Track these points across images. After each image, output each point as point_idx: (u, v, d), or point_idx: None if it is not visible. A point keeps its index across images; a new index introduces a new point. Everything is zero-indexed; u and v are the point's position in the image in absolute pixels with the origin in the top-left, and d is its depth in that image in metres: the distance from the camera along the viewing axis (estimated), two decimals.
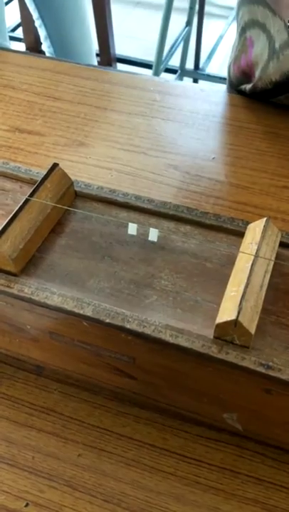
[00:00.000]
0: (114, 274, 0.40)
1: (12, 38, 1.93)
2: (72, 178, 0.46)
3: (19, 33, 1.94)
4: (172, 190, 0.60)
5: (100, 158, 0.64)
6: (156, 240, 0.41)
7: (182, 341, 0.35)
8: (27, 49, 1.76)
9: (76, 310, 0.37)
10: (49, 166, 0.44)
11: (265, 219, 0.41)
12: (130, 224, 0.41)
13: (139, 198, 0.45)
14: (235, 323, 0.34)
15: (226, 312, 0.35)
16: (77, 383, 0.44)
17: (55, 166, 0.44)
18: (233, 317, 0.34)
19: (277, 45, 0.63)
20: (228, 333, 0.35)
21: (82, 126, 0.68)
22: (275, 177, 0.62)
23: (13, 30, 2.06)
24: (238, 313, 0.34)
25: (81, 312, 0.37)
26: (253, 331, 0.35)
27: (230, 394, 0.37)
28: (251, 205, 0.58)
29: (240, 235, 0.42)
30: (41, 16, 1.31)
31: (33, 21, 1.36)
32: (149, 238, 0.40)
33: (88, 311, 0.37)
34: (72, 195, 0.45)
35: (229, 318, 0.34)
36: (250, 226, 0.42)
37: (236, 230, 0.43)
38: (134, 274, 0.40)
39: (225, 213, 0.56)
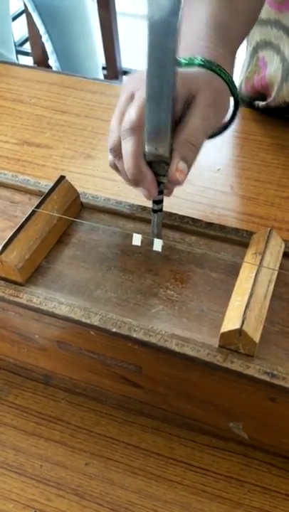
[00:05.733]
0: (121, 284, 0.41)
1: (20, 53, 1.95)
2: (80, 190, 0.47)
3: (27, 47, 1.96)
4: (178, 201, 0.61)
5: (106, 170, 0.64)
6: (161, 251, 0.41)
7: (188, 350, 0.36)
8: (35, 63, 1.78)
9: (83, 319, 0.37)
10: (56, 178, 0.45)
11: (268, 229, 0.41)
12: (136, 235, 0.41)
13: (145, 209, 0.46)
14: (239, 332, 0.35)
15: (231, 321, 0.36)
16: (85, 392, 0.44)
17: (61, 178, 0.45)
18: (238, 326, 0.35)
19: None
20: (233, 342, 0.35)
21: (89, 139, 0.69)
22: (280, 188, 0.62)
23: (21, 44, 2.08)
24: (243, 322, 0.35)
25: (88, 321, 0.37)
26: (257, 339, 0.35)
27: (236, 403, 0.38)
28: (256, 216, 0.59)
29: (245, 245, 0.43)
30: (48, 31, 1.33)
31: (40, 36, 1.38)
32: (154, 248, 0.41)
33: (95, 321, 0.37)
34: (79, 207, 0.46)
35: (234, 328, 0.35)
36: (255, 236, 0.42)
37: (241, 240, 0.43)
38: (140, 284, 0.41)
39: (230, 224, 0.56)
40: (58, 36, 1.35)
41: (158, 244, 0.41)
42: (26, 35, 1.85)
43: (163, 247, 0.42)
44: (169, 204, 0.60)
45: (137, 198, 0.61)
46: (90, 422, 0.43)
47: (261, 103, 0.70)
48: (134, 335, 0.36)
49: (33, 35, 1.70)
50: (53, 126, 0.71)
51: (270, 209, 0.60)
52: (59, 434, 0.43)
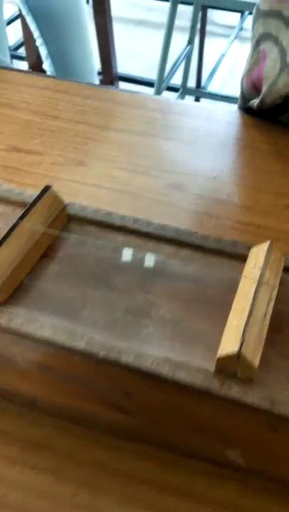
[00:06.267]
0: (110, 303, 0.38)
1: (14, 57, 1.94)
2: (71, 198, 0.44)
3: (22, 51, 1.95)
4: (173, 209, 0.59)
5: (99, 177, 0.62)
6: (152, 266, 0.39)
7: (181, 375, 0.33)
8: (29, 68, 1.77)
9: (68, 343, 0.35)
10: (41, 189, 0.42)
11: (268, 242, 0.39)
12: (127, 249, 0.39)
13: (137, 220, 0.43)
14: (238, 356, 0.32)
15: (228, 344, 0.33)
16: (71, 418, 0.41)
17: (46, 188, 0.42)
18: (236, 350, 0.32)
19: (288, 59, 0.62)
20: (231, 366, 0.33)
21: (81, 145, 0.67)
22: (278, 196, 0.60)
23: (16, 49, 2.07)
24: (241, 345, 0.32)
25: (73, 345, 0.35)
26: (256, 363, 0.33)
27: (233, 430, 0.35)
28: (254, 225, 0.57)
29: (243, 258, 0.40)
30: (42, 35, 1.31)
31: (35, 40, 1.36)
32: (145, 264, 0.39)
33: (81, 344, 0.35)
34: (65, 218, 0.43)
35: (231, 351, 0.32)
36: (253, 250, 0.40)
37: (238, 253, 0.41)
38: (130, 303, 0.38)
39: (227, 233, 0.55)
40: (53, 40, 1.34)
41: (150, 259, 0.39)
42: (21, 39, 1.83)
43: (155, 261, 0.39)
44: (163, 214, 0.58)
45: (131, 206, 0.59)
46: (77, 448, 0.40)
47: (256, 102, 0.68)
48: (124, 359, 0.34)
49: (28, 40, 1.69)
50: (44, 131, 0.68)
51: (268, 218, 0.58)
52: (44, 462, 0.40)
